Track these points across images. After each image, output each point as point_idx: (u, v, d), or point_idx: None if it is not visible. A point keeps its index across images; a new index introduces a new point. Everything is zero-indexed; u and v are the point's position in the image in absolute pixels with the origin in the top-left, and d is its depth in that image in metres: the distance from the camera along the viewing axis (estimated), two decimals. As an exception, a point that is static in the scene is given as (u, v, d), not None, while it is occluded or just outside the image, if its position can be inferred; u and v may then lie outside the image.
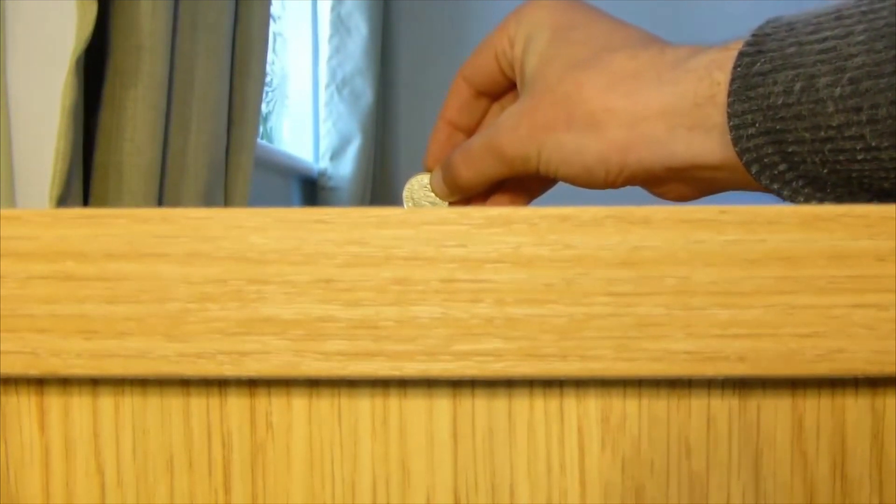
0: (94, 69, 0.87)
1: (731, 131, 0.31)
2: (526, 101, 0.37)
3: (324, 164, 1.95)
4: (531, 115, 0.36)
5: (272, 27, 1.38)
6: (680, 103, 0.33)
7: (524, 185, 0.43)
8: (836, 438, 0.21)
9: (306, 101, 2.02)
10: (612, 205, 0.20)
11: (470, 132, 0.44)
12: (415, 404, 0.22)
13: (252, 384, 0.22)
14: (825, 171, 0.30)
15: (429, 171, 0.44)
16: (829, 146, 0.30)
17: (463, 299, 0.20)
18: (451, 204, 0.43)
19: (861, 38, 0.29)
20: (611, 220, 0.20)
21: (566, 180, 0.37)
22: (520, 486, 0.22)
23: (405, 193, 0.44)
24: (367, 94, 1.97)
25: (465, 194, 0.42)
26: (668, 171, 0.35)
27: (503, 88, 0.42)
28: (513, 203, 0.44)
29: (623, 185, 0.37)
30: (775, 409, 0.21)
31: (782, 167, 0.31)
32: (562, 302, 0.20)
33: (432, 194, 0.43)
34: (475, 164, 0.39)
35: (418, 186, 0.43)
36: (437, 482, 0.22)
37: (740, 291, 0.20)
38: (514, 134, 0.37)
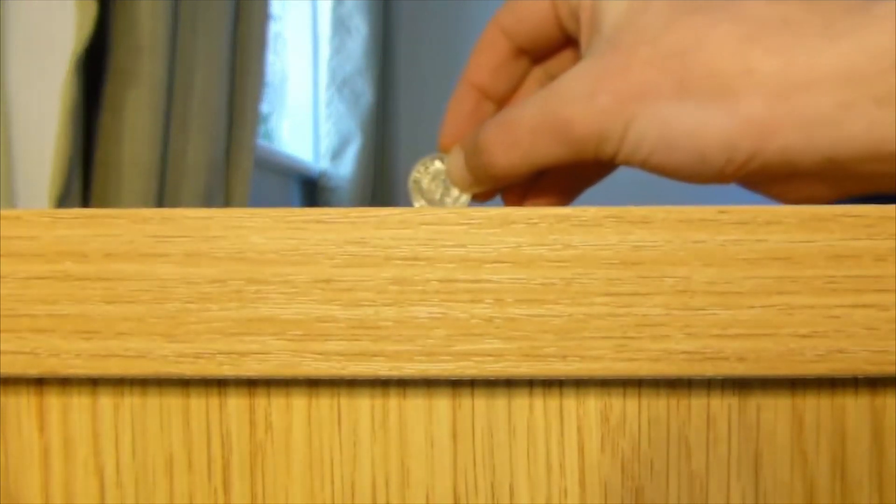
0: (94, 69, 0.87)
1: None
2: (607, 58, 0.27)
3: (324, 164, 1.95)
4: (618, 79, 0.26)
5: (272, 27, 1.38)
6: (863, 65, 0.23)
7: (577, 171, 0.33)
8: (836, 438, 0.21)
9: (306, 101, 2.03)
10: (612, 205, 0.20)
11: (502, 102, 0.33)
12: (414, 404, 0.22)
13: (251, 384, 0.22)
14: None
15: (444, 152, 0.33)
16: None
17: (462, 299, 0.20)
18: (474, 198, 0.33)
19: None
20: (610, 219, 0.20)
21: (659, 170, 0.28)
22: (519, 486, 0.22)
23: (411, 185, 0.34)
24: (367, 94, 1.97)
25: (498, 185, 0.32)
26: (826, 162, 0.25)
27: (554, 46, 0.32)
28: (561, 198, 0.34)
29: (741, 179, 0.27)
30: (775, 409, 0.21)
31: None
32: (561, 302, 0.20)
33: (448, 183, 0.33)
34: (521, 146, 0.29)
35: (429, 174, 0.34)
36: (436, 482, 0.22)
37: (740, 291, 0.20)
38: (588, 104, 0.27)
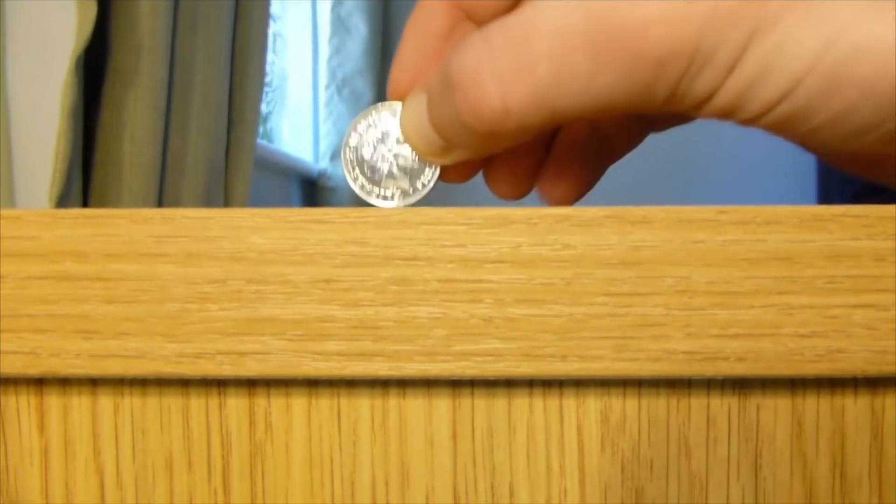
0: (94, 69, 0.87)
1: None
2: None
3: (324, 164, 1.95)
4: None
5: (272, 27, 1.38)
6: None
7: (601, 140, 0.23)
8: (836, 438, 0.21)
9: (306, 101, 2.02)
10: (612, 205, 0.20)
11: (486, 17, 0.21)
12: (414, 404, 0.22)
13: (251, 384, 0.22)
14: None
15: (397, 98, 0.22)
16: None
17: (462, 299, 0.20)
18: (443, 177, 0.23)
19: None
20: (610, 219, 0.20)
21: (786, 127, 0.18)
22: (519, 486, 0.22)
23: (345, 155, 0.23)
24: (367, 94, 1.97)
25: (480, 149, 0.20)
26: None
27: None
28: (580, 182, 0.24)
29: None
30: (775, 409, 0.21)
31: None
32: (561, 302, 0.20)
33: (403, 148, 0.22)
34: (535, 75, 0.17)
35: (372, 135, 0.22)
36: (436, 482, 0.22)
37: (740, 291, 0.20)
38: (675, 7, 0.16)
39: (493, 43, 0.18)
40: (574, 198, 0.24)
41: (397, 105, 0.22)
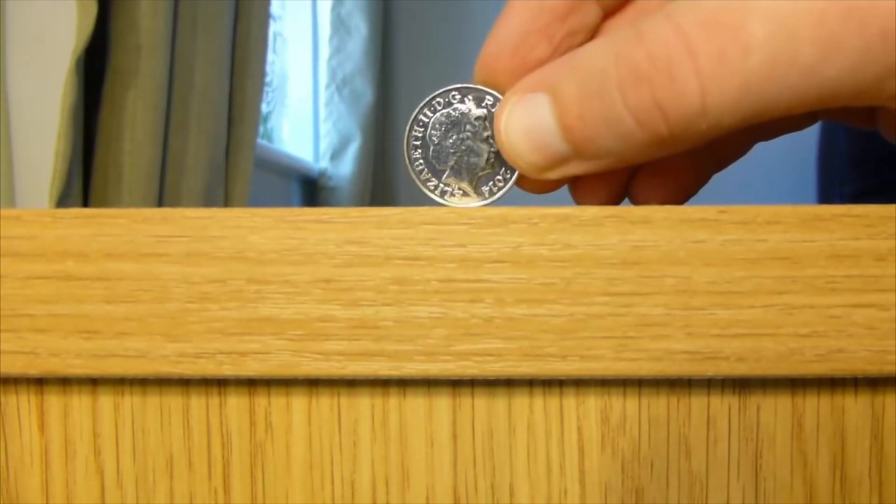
0: (94, 69, 0.87)
1: None
2: None
3: (324, 164, 1.95)
4: None
5: (272, 27, 1.38)
6: None
7: (711, 144, 0.20)
8: (836, 438, 0.21)
9: (306, 101, 2.02)
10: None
11: (616, 6, 0.18)
12: (414, 404, 0.22)
13: (251, 384, 0.22)
14: None
15: (487, 78, 0.19)
16: None
17: (462, 299, 0.20)
18: (521, 182, 0.20)
19: None
20: (611, 219, 0.20)
21: None
22: (519, 486, 0.22)
23: (414, 130, 0.20)
24: (367, 94, 1.97)
25: (624, 161, 0.18)
26: None
27: None
28: (690, 184, 0.22)
29: None
30: (775, 409, 0.21)
31: None
32: (561, 302, 0.20)
33: (478, 144, 0.19)
34: (757, 73, 0.15)
35: (450, 115, 0.19)
36: (436, 482, 0.22)
37: (740, 291, 0.20)
38: None
39: (686, 28, 0.15)
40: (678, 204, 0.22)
41: (485, 90, 0.19)
